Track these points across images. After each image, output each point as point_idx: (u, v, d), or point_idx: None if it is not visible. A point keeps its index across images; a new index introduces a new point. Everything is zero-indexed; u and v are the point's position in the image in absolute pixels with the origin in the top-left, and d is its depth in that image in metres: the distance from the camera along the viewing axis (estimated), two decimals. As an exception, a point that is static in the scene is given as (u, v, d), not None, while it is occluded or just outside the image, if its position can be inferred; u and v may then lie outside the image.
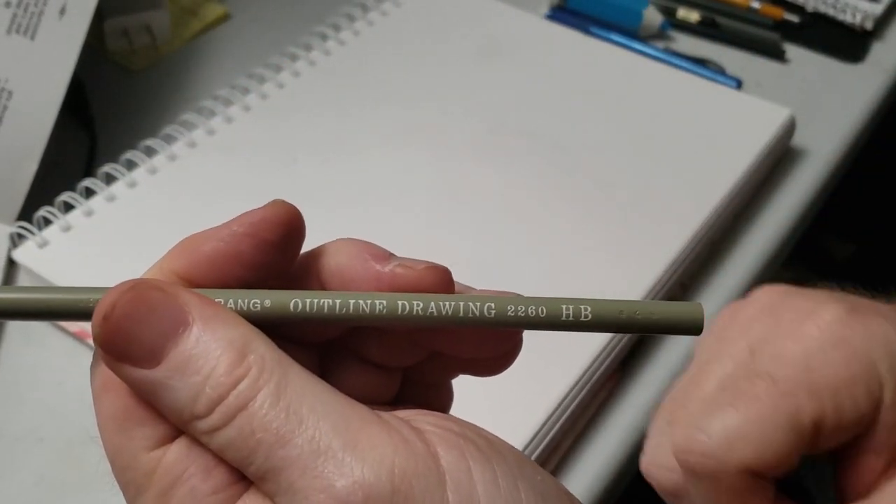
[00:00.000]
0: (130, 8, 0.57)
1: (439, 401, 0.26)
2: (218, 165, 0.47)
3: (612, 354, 0.41)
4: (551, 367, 0.40)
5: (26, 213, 0.46)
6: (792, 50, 0.59)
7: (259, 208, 0.23)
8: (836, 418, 0.28)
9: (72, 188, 0.45)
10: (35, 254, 0.43)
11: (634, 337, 0.42)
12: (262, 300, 0.21)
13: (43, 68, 0.46)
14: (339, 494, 0.18)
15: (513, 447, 0.21)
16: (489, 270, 0.43)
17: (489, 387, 0.38)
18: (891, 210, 0.97)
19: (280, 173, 0.47)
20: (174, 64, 0.58)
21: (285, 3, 0.62)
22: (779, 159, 0.52)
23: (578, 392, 0.40)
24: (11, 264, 0.45)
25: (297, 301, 0.21)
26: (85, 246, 0.43)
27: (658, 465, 0.30)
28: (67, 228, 0.44)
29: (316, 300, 0.21)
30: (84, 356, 0.43)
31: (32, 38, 0.45)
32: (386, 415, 0.20)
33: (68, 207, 0.44)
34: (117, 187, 0.46)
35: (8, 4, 0.45)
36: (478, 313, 0.21)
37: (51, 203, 0.44)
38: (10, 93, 0.46)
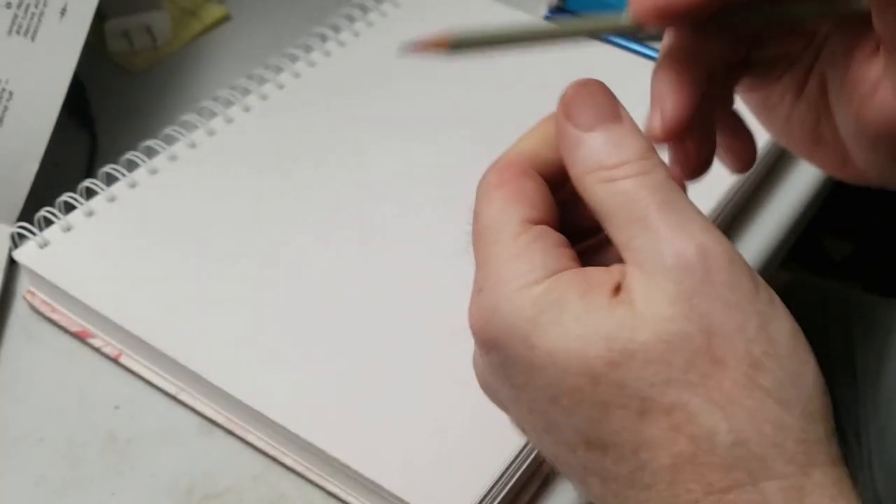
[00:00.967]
0: (131, 9, 0.57)
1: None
2: (218, 166, 0.47)
3: None
4: None
5: (27, 214, 0.46)
6: (790, 50, 0.60)
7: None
8: None
9: (72, 189, 0.45)
10: (36, 254, 0.43)
11: None
12: None
13: (44, 69, 0.46)
14: (688, 249, 0.25)
15: None
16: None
17: (480, 397, 0.38)
18: (888, 209, 0.97)
19: (280, 173, 0.47)
20: (175, 65, 0.58)
21: (285, 4, 0.62)
22: (777, 158, 0.52)
23: None
24: (12, 263, 0.45)
25: None
26: (86, 246, 0.44)
27: None
28: (68, 229, 0.44)
29: None
30: (84, 356, 0.43)
31: (33, 39, 0.46)
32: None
33: (69, 208, 0.44)
34: (118, 188, 0.46)
35: (9, 5, 0.45)
36: None
37: (51, 204, 0.44)
38: (10, 93, 0.46)
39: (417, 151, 0.49)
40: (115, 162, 0.47)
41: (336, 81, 0.52)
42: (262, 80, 0.51)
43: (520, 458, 0.37)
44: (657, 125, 0.32)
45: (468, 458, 0.36)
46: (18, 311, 0.45)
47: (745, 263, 0.27)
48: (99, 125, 0.53)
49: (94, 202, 0.45)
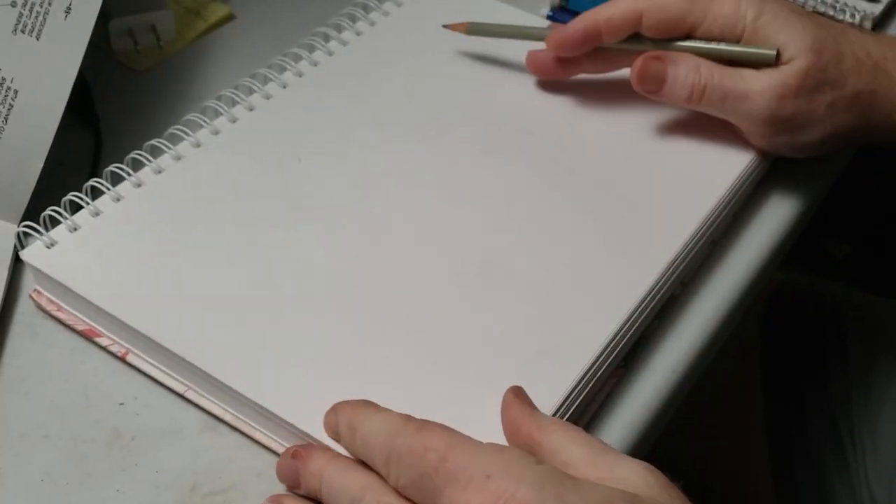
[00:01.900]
0: (135, 8, 0.57)
1: None
2: (223, 165, 0.48)
3: (617, 350, 0.42)
4: (556, 364, 0.40)
5: (31, 212, 0.47)
6: (791, 51, 0.60)
7: None
8: None
9: (77, 187, 0.45)
10: (43, 254, 0.43)
11: (637, 330, 0.43)
12: None
13: (48, 68, 0.46)
14: None
15: None
16: (491, 266, 0.44)
17: (495, 385, 0.39)
18: (889, 210, 0.97)
19: (285, 172, 0.47)
20: (179, 64, 0.58)
21: (290, 4, 0.63)
22: (776, 158, 0.53)
23: (584, 388, 0.40)
24: (18, 260, 0.45)
25: None
26: (93, 246, 0.44)
27: None
28: (75, 228, 0.44)
29: None
30: (88, 353, 0.43)
31: (38, 38, 0.46)
32: None
33: (74, 207, 0.45)
34: (124, 187, 0.46)
35: (13, 4, 0.45)
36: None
37: (56, 202, 0.44)
38: (15, 92, 0.46)
39: (419, 150, 0.49)
40: (119, 160, 0.47)
41: (339, 81, 0.53)
42: (265, 80, 0.52)
43: None
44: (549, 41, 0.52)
45: None
46: (24, 309, 0.45)
47: None
48: (103, 124, 0.54)
49: (101, 202, 0.45)
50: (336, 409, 0.37)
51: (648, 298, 0.43)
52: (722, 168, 0.49)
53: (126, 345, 0.43)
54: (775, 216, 0.51)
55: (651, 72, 0.49)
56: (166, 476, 0.39)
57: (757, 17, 0.48)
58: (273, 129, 0.50)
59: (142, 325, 0.41)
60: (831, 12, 0.61)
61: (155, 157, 0.47)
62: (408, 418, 0.35)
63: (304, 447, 0.37)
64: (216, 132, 0.49)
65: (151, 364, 0.42)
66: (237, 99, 0.50)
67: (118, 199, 0.45)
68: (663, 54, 0.49)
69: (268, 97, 0.51)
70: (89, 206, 0.45)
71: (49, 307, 0.44)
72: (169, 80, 0.57)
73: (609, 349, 0.41)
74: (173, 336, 0.40)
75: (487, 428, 0.37)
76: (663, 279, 0.44)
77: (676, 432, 0.55)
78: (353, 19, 0.56)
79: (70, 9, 0.46)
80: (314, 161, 0.48)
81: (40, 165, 0.46)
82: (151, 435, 0.41)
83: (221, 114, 0.50)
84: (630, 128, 0.51)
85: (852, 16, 0.61)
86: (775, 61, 0.47)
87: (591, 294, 0.43)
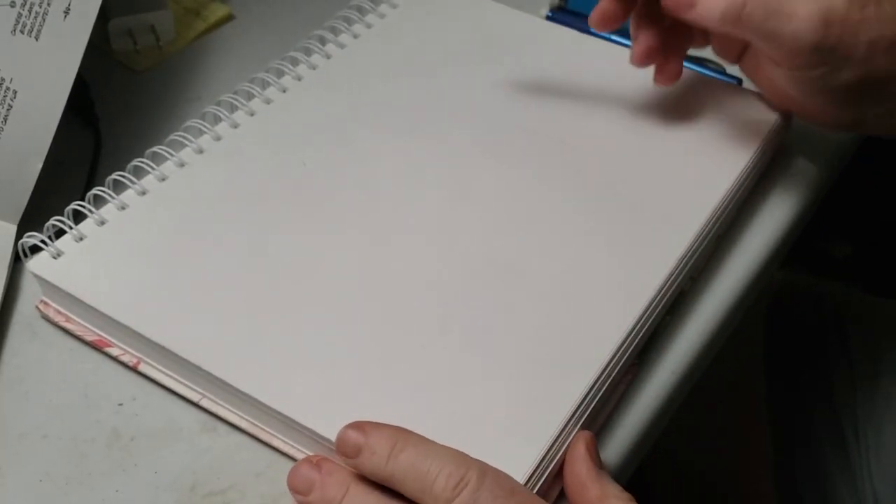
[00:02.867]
0: (134, 8, 0.57)
1: None
2: (227, 171, 0.47)
3: (632, 346, 0.42)
4: (574, 361, 0.40)
5: (31, 213, 0.47)
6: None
7: None
8: None
9: (78, 188, 0.45)
10: (50, 265, 0.43)
11: (651, 326, 0.43)
12: None
13: (48, 68, 0.46)
14: None
15: None
16: (503, 266, 0.44)
17: (510, 385, 0.39)
18: (889, 209, 0.98)
19: (290, 177, 0.47)
20: (178, 64, 0.58)
21: (289, 4, 0.63)
22: (776, 157, 0.53)
23: (602, 385, 0.40)
24: (17, 261, 0.45)
25: None
26: (101, 255, 0.43)
27: None
28: (81, 238, 0.44)
29: None
30: (88, 354, 0.43)
31: (37, 38, 0.46)
32: None
33: (77, 215, 0.44)
34: (128, 196, 0.46)
35: (13, 4, 0.45)
36: None
37: (56, 203, 0.44)
38: (14, 92, 0.46)
39: (421, 152, 0.49)
40: (119, 161, 0.47)
41: (338, 84, 0.53)
42: (264, 84, 0.52)
43: (543, 463, 0.38)
44: (631, 56, 0.49)
45: (488, 460, 0.36)
46: (23, 309, 0.45)
47: None
48: (103, 124, 0.54)
49: (106, 210, 0.45)
50: (364, 429, 0.36)
51: (662, 292, 0.43)
52: (723, 166, 0.49)
53: (138, 354, 0.42)
54: (775, 217, 0.51)
55: None
56: (165, 476, 0.39)
57: None
58: (275, 133, 0.50)
59: (155, 335, 0.40)
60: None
61: (157, 165, 0.47)
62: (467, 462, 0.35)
63: (328, 461, 0.37)
64: (218, 138, 0.49)
65: (164, 373, 0.42)
66: (237, 104, 0.50)
67: (123, 208, 0.45)
68: None
69: (268, 102, 0.51)
70: (94, 215, 0.44)
71: (57, 318, 0.44)
72: (168, 80, 0.57)
73: (626, 344, 0.41)
74: (187, 345, 0.40)
75: (503, 426, 0.38)
76: (676, 272, 0.44)
77: (679, 431, 0.55)
78: (350, 22, 0.56)
79: (69, 9, 0.46)
80: (318, 164, 0.48)
81: (40, 165, 0.46)
82: (151, 435, 0.41)
83: (222, 119, 0.49)
84: (632, 128, 0.51)
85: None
86: None
87: (605, 289, 0.43)
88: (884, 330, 0.67)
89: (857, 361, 0.66)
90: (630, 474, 0.42)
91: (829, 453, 0.64)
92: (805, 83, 0.46)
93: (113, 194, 0.45)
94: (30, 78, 0.46)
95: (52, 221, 0.44)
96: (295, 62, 0.53)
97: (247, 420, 0.40)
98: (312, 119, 0.50)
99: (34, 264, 0.43)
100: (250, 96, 0.51)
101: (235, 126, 0.49)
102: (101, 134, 0.53)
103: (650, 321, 0.43)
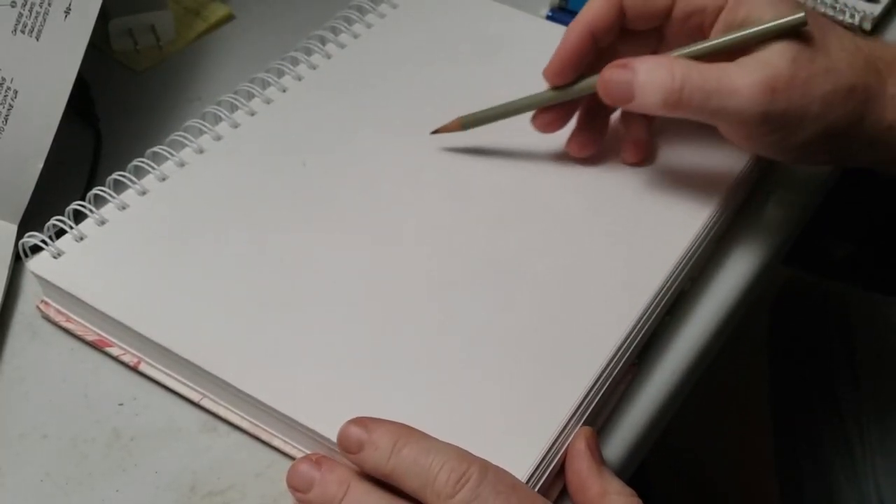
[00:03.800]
0: (135, 8, 0.57)
1: None
2: (227, 171, 0.47)
3: (633, 346, 0.42)
4: (574, 361, 0.40)
5: (31, 212, 0.47)
6: (791, 51, 0.60)
7: None
8: None
9: (78, 188, 0.45)
10: (51, 265, 0.43)
11: (651, 326, 0.43)
12: None
13: (48, 68, 0.46)
14: None
15: None
16: (503, 266, 0.44)
17: (511, 385, 0.39)
18: (888, 209, 0.97)
19: (290, 176, 0.47)
20: (179, 64, 0.58)
21: (289, 4, 0.63)
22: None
23: (602, 385, 0.40)
24: (17, 260, 0.45)
25: None
26: (101, 255, 0.43)
27: None
28: (81, 238, 0.44)
29: None
30: (88, 354, 0.43)
31: (38, 38, 0.46)
32: None
33: (77, 215, 0.44)
34: (128, 195, 0.46)
35: (13, 4, 0.45)
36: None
37: (57, 202, 0.44)
38: (15, 92, 0.46)
39: (422, 151, 0.49)
40: (119, 160, 0.47)
41: (338, 83, 0.53)
42: (264, 84, 0.52)
43: (544, 462, 0.38)
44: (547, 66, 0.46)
45: (489, 459, 0.36)
46: (24, 309, 0.45)
47: None
48: (103, 123, 0.54)
49: (106, 210, 0.45)
50: (367, 425, 0.36)
51: (662, 292, 0.43)
52: (723, 166, 0.49)
53: (138, 354, 0.42)
54: (775, 217, 0.51)
55: (615, 81, 0.43)
56: (166, 476, 0.39)
57: None
58: (275, 133, 0.50)
59: (155, 335, 0.40)
60: (831, 12, 0.61)
61: (158, 165, 0.47)
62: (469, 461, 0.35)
63: (328, 459, 0.37)
64: (218, 138, 0.49)
65: (165, 373, 0.42)
66: (237, 104, 0.50)
67: (123, 208, 0.45)
68: (629, 60, 0.43)
69: (268, 101, 0.51)
70: (94, 214, 0.44)
71: (57, 318, 0.44)
72: (168, 80, 0.57)
73: (626, 344, 0.41)
74: (188, 345, 0.40)
75: (504, 426, 0.38)
76: (676, 272, 0.44)
77: (682, 430, 0.55)
78: (350, 22, 0.56)
79: (70, 9, 0.46)
80: (318, 164, 0.48)
81: (40, 165, 0.46)
82: (151, 435, 0.41)
83: (222, 119, 0.49)
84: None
85: (852, 16, 0.61)
86: (801, 25, 0.42)
87: (606, 289, 0.43)
88: (887, 329, 0.67)
89: (860, 360, 0.66)
90: (630, 474, 0.42)
91: (832, 452, 0.64)
92: (765, 147, 0.45)
93: (113, 194, 0.45)
94: (30, 78, 0.46)
95: (52, 221, 0.44)
96: (295, 62, 0.53)
97: (247, 420, 0.40)
98: (313, 119, 0.50)
99: (34, 264, 0.43)
100: (250, 96, 0.51)
101: (236, 126, 0.49)
102: (101, 134, 0.53)
103: (650, 321, 0.43)
